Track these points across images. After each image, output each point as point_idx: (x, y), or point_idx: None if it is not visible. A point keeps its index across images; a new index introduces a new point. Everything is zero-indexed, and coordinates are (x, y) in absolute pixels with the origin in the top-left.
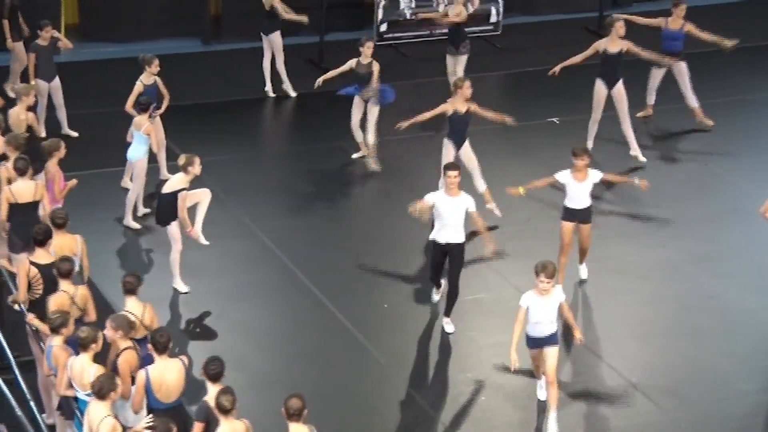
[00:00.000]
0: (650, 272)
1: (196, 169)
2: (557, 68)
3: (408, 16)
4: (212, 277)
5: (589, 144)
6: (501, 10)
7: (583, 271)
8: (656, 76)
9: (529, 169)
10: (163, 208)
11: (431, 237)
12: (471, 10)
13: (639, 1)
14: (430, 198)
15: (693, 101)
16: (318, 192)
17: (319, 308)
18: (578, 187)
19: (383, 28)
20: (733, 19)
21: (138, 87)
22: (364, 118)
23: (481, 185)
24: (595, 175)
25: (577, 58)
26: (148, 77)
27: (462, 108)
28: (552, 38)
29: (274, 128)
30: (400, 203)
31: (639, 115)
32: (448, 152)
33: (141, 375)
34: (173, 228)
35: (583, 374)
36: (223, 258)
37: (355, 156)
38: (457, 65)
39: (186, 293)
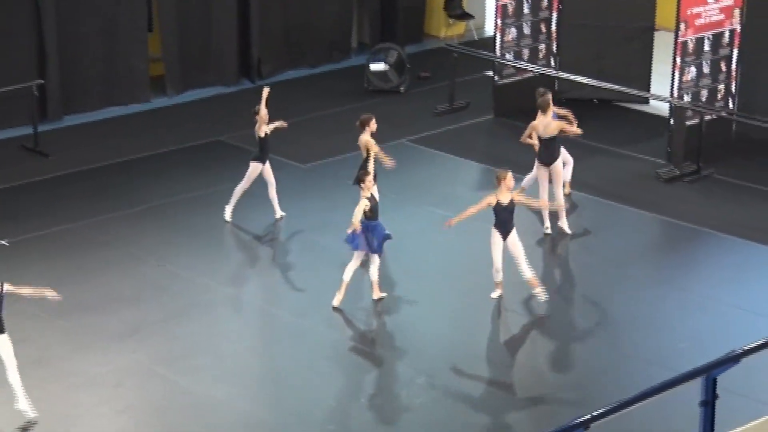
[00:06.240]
0: (125, 379)
1: None
2: (453, 221)
3: None
4: None
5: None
6: None
7: None
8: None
9: None
10: None
11: None
12: None
13: (69, 114)
14: None
15: (562, 199)
16: None
17: None
18: None
19: None
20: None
21: None
22: None
23: None
24: None
25: (472, 210)
26: None
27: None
28: None
29: None
30: None
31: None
32: None
33: None
34: None
35: None
36: None
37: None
38: None
39: None
